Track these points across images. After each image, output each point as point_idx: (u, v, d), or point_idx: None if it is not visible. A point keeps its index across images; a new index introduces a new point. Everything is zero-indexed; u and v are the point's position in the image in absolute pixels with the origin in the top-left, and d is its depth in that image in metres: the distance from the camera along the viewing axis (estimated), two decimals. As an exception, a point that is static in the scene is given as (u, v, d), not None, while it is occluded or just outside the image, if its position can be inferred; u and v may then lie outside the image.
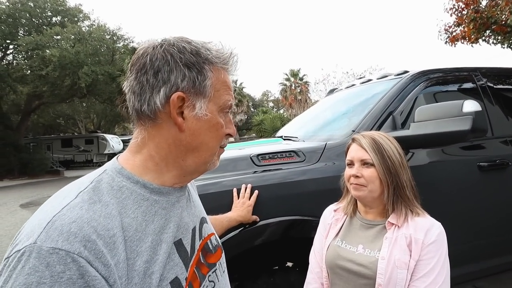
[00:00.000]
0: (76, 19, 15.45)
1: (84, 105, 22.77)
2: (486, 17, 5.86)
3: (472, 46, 6.74)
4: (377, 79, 2.29)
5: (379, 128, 1.65)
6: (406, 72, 2.01)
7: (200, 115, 0.55)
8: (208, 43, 0.59)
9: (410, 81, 1.86)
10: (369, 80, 2.40)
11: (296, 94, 25.07)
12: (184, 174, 0.59)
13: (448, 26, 7.01)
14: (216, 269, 0.65)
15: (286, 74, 26.11)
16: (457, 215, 1.68)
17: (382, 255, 0.89)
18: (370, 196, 0.96)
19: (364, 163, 0.96)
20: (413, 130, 1.48)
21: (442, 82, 1.97)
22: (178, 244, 0.56)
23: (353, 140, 1.02)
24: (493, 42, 6.62)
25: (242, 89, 28.96)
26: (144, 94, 0.54)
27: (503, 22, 5.67)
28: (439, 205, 1.63)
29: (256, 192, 1.32)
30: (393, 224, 0.94)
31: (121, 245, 0.46)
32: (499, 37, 6.29)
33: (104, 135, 20.90)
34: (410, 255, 0.87)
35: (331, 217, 1.09)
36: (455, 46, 6.97)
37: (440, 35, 7.26)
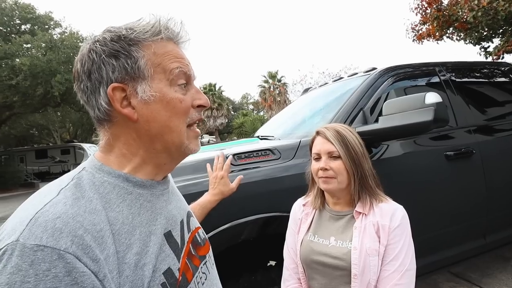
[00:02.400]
0: (46, 26, 14.84)
1: (59, 114, 21.82)
2: (448, 15, 6.19)
3: (437, 43, 7.11)
4: (348, 76, 2.37)
5: (351, 124, 1.71)
6: (374, 69, 2.09)
7: (146, 98, 0.52)
8: (136, 21, 0.55)
9: (378, 77, 1.94)
10: (341, 78, 2.48)
11: (275, 95, 25.32)
12: (163, 162, 0.58)
13: (414, 25, 7.35)
14: (207, 261, 0.65)
15: (265, 76, 26.36)
16: (429, 203, 1.76)
17: (354, 245, 0.92)
18: (339, 188, 0.98)
19: (331, 155, 0.98)
20: (382, 123, 1.54)
21: (408, 77, 2.07)
22: (168, 236, 0.56)
23: (318, 133, 1.03)
24: (456, 39, 7.01)
25: (221, 93, 28.85)
26: (91, 100, 0.53)
27: (464, 20, 6.02)
28: (411, 194, 1.70)
29: (229, 158, 1.23)
30: (360, 212, 0.96)
31: (109, 239, 0.46)
32: (461, 34, 6.68)
33: (81, 144, 20.10)
34: (379, 242, 0.90)
35: (301, 212, 1.10)
36: (422, 43, 7.32)
37: (408, 34, 7.60)
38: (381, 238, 0.90)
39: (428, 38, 7.14)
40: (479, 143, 1.94)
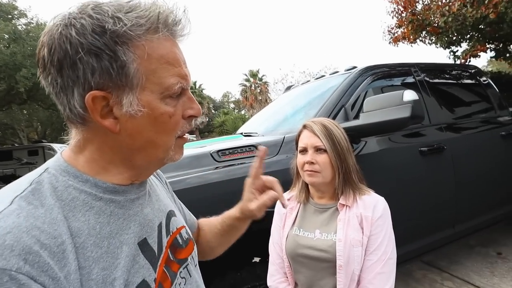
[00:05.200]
0: (10, 16, 13.84)
1: (25, 112, 20.56)
2: (422, 19, 6.51)
3: (411, 46, 7.44)
4: (330, 74, 2.43)
5: (333, 120, 1.75)
6: (354, 67, 2.16)
7: (132, 113, 0.44)
8: (125, 3, 0.43)
9: (358, 75, 2.00)
10: (322, 76, 2.55)
11: (256, 94, 25.42)
12: (139, 172, 0.52)
13: (391, 28, 7.65)
14: (188, 264, 0.60)
15: (246, 75, 26.37)
16: (403, 196, 1.84)
17: (338, 237, 0.93)
18: (323, 182, 0.99)
19: (317, 149, 0.99)
20: (363, 119, 1.59)
21: (386, 76, 2.15)
22: (143, 244, 0.50)
23: (305, 126, 1.04)
24: (428, 42, 7.37)
25: (202, 91, 28.53)
26: (60, 97, 0.44)
27: (436, 24, 6.35)
28: (388, 188, 1.77)
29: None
30: (344, 205, 0.98)
31: (71, 253, 0.40)
32: (433, 38, 7.03)
33: (51, 144, 19.01)
34: (363, 232, 0.92)
35: None
36: (397, 46, 7.63)
37: (385, 36, 7.89)
38: (365, 229, 0.92)
39: (403, 41, 7.44)
40: (449, 139, 2.06)
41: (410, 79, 2.22)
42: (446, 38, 6.87)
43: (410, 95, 1.48)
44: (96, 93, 0.42)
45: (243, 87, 26.58)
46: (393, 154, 1.87)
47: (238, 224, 0.73)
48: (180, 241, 0.60)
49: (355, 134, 1.66)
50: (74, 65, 0.41)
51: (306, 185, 1.07)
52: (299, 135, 1.07)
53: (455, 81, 2.57)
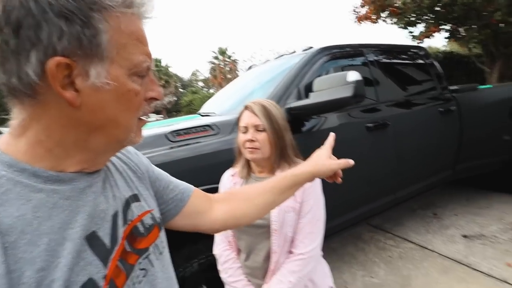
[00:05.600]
0: None
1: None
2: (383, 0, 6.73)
3: (373, 25, 7.70)
4: (288, 54, 2.49)
5: (287, 99, 1.84)
6: (311, 47, 2.24)
7: (99, 85, 0.41)
8: None
9: (313, 56, 2.08)
10: (282, 55, 2.60)
11: (225, 72, 24.93)
12: (94, 157, 0.47)
13: (355, 7, 7.82)
14: (149, 253, 0.55)
15: (214, 52, 25.64)
16: (353, 169, 2.01)
17: None
18: (263, 158, 1.08)
19: (257, 128, 1.07)
20: (312, 99, 1.69)
21: (339, 56, 2.26)
22: (91, 238, 0.44)
23: (246, 107, 1.11)
24: (390, 23, 7.66)
25: (168, 69, 27.34)
26: (8, 62, 0.38)
27: (396, 5, 6.59)
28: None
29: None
30: None
31: None
32: (394, 18, 7.31)
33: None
34: (295, 200, 1.04)
35: (229, 182, 1.18)
36: (361, 25, 7.85)
37: (350, 15, 8.07)
38: (297, 197, 1.04)
39: (365, 21, 7.65)
40: (393, 116, 2.25)
41: (362, 59, 2.35)
42: (405, 19, 7.17)
43: (353, 75, 1.58)
44: (61, 60, 0.37)
45: (212, 65, 25.92)
46: (343, 130, 2.00)
47: (305, 179, 0.77)
48: (141, 229, 0.55)
49: (306, 113, 1.77)
50: (38, 26, 0.36)
51: (247, 162, 1.16)
52: (240, 115, 1.13)
53: (403, 61, 2.75)
